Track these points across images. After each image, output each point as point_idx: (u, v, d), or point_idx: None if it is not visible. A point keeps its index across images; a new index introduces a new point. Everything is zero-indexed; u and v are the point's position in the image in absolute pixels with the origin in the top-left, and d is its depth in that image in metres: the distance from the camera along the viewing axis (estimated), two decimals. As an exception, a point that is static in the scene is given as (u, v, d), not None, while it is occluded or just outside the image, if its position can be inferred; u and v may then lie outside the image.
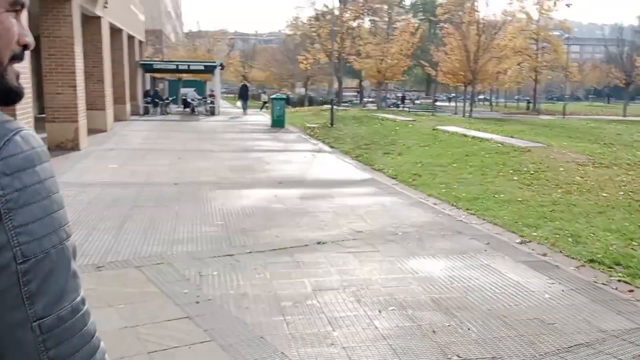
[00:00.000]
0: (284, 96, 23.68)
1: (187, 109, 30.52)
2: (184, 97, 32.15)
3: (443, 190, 9.45)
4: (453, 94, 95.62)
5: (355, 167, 12.44)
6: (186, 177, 10.40)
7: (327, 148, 15.79)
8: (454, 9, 36.33)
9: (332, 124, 21.48)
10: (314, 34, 40.52)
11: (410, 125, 19.43)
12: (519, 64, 46.58)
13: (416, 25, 40.44)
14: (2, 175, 0.75)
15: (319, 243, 6.19)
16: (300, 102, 49.75)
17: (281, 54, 62.70)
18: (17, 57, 0.86)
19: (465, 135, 15.59)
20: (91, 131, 17.41)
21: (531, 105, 53.84)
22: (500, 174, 10.59)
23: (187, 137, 17.59)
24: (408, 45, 38.03)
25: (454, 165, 11.72)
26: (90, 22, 17.10)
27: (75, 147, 13.41)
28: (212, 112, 29.16)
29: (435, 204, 8.56)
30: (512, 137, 15.46)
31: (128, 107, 23.89)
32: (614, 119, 37.29)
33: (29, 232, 0.77)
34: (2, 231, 0.75)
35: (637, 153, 13.33)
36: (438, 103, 66.58)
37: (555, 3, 47.42)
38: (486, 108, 58.63)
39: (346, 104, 45.69)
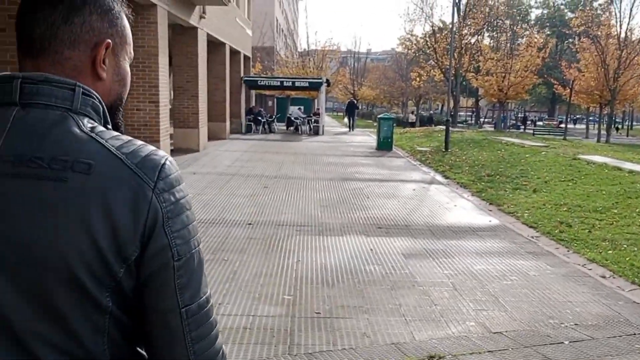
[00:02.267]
0: (392, 116, 21.37)
1: (291, 128, 29.12)
2: (288, 116, 30.86)
3: (609, 251, 6.69)
4: (578, 116, 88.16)
5: (478, 206, 9.85)
6: (265, 214, 8.40)
7: (440, 178, 13.26)
8: (590, 21, 32.22)
9: (446, 148, 18.84)
10: (429, 49, 37.94)
11: (543, 153, 16.33)
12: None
13: (543, 39, 36.55)
14: (163, 191, 0.93)
15: (432, 358, 3.81)
16: (410, 122, 47.17)
17: (392, 72, 60.58)
18: None
19: (620, 169, 12.40)
20: (180, 151, 16.15)
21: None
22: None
23: (282, 159, 15.80)
24: (535, 61, 34.35)
25: (614, 211, 8.78)
26: (185, 32, 15.88)
27: (153, 169, 11.97)
28: (315, 132, 27.49)
29: (604, 277, 5.86)
30: (685, 173, 12.08)
31: (228, 125, 22.73)
32: None
33: (181, 236, 0.95)
34: (164, 235, 0.93)
35: None
36: (562, 125, 61.09)
37: None
38: (616, 132, 52.53)
39: (461, 125, 42.47)
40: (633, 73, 31.06)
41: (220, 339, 1.03)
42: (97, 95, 0.99)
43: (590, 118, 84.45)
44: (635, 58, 30.09)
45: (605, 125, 34.64)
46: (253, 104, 29.80)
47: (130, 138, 0.98)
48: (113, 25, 1.01)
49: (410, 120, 42.40)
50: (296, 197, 10.00)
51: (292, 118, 29.38)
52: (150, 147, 0.98)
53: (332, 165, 14.93)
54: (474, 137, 22.91)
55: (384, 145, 19.48)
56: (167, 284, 0.94)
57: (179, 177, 0.98)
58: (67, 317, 0.90)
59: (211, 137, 20.89)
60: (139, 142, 0.98)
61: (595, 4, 55.92)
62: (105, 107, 1.01)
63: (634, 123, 69.60)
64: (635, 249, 6.75)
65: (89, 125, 0.95)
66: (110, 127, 1.02)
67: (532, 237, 7.57)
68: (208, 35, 17.92)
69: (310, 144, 21.85)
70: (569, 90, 33.47)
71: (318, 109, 28.78)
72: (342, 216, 8.56)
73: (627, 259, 6.34)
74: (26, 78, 0.94)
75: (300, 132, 27.76)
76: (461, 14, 36.17)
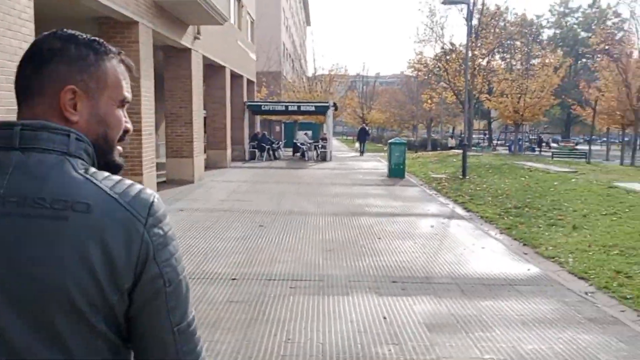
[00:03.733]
0: (404, 141, 19.94)
1: (297, 154, 27.77)
2: (295, 141, 29.55)
3: (694, 317, 5.14)
4: (592, 137, 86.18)
5: (510, 248, 8.32)
6: (255, 264, 6.94)
7: (461, 211, 11.74)
8: (610, 39, 30.82)
9: (464, 175, 17.35)
10: (440, 70, 36.69)
11: (573, 180, 14.77)
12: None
13: (559, 58, 35.14)
14: (153, 226, 1.05)
15: None
16: (422, 146, 45.73)
17: (402, 94, 59.38)
18: (120, 139, 1.18)
19: (668, 199, 10.84)
20: (173, 182, 14.79)
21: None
22: None
23: (284, 190, 14.37)
24: (552, 81, 32.90)
25: (679, 255, 7.22)
26: (178, 54, 14.62)
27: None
28: (323, 158, 26.12)
29: (701, 360, 4.31)
30: None
31: (229, 152, 21.41)
32: None
33: (170, 264, 1.07)
34: (156, 265, 1.04)
35: None
36: (578, 147, 59.34)
37: None
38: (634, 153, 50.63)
39: (475, 148, 40.95)
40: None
41: (204, 352, 1.15)
42: (87, 139, 1.09)
43: (604, 139, 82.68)
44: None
45: (627, 147, 32.98)
46: (258, 129, 28.53)
47: (120, 178, 1.08)
48: (84, 72, 1.10)
49: (450, 145, 41.17)
50: (295, 239, 8.54)
51: (299, 144, 28.03)
52: (138, 186, 1.08)
53: (339, 196, 13.47)
54: (491, 162, 21.39)
55: (396, 172, 18.02)
56: (160, 308, 1.06)
57: (165, 212, 1.09)
58: (65, 338, 1.00)
59: (211, 166, 19.57)
60: (128, 182, 1.08)
61: (609, 23, 54.75)
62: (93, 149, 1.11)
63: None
64: None
65: (82, 167, 1.06)
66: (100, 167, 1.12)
67: (587, 294, 6.02)
68: (205, 58, 16.69)
69: (317, 171, 20.43)
70: (589, 111, 31.87)
71: (325, 133, 27.44)
72: (348, 265, 7.07)
73: None
74: (25, 125, 1.05)
75: (306, 159, 26.40)
76: (472, 34, 34.97)
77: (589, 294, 6.02)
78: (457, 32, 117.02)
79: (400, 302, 5.58)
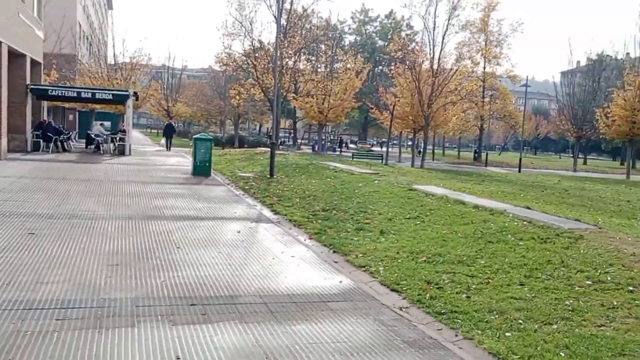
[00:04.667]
0: (210, 137, 18.87)
1: (91, 147, 25.02)
2: (88, 132, 26.70)
3: (508, 334, 4.97)
4: (383, 139, 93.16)
5: (320, 256, 7.79)
6: (12, 288, 5.41)
7: (269, 214, 11.09)
8: (406, 47, 33.03)
9: (271, 175, 16.86)
10: (249, 66, 36.16)
11: (375, 182, 15.04)
12: (463, 112, 44.21)
13: (361, 63, 36.87)
14: None
15: None
16: (230, 142, 44.91)
17: (210, 89, 57.98)
18: None
19: (463, 203, 11.32)
20: None
21: (477, 154, 51.34)
22: (579, 287, 6.25)
23: (70, 188, 12.42)
24: (354, 85, 34.37)
25: (481, 262, 7.28)
26: None
27: None
28: (121, 151, 23.86)
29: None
30: (528, 208, 11.33)
31: (4, 142, 18.33)
32: (579, 175, 34.83)
33: None
34: None
35: None
36: (374, 149, 63.49)
37: (500, 50, 45.72)
38: (419, 154, 55.82)
39: (282, 147, 41.28)
40: (445, 100, 32.32)
41: None
42: None
43: (395, 142, 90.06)
44: (447, 85, 31.27)
45: (418, 150, 35.73)
46: (45, 117, 25.14)
47: None
48: None
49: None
50: (73, 250, 7.05)
51: (93, 135, 25.29)
52: None
53: (135, 196, 11.98)
54: (298, 162, 21.30)
55: (201, 169, 16.90)
56: None
57: None
58: None
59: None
60: None
61: (403, 34, 59.35)
62: None
63: (433, 148, 75.14)
64: (536, 325, 5.12)
65: None
66: None
67: (402, 309, 5.63)
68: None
69: (112, 166, 18.40)
70: (386, 115, 33.84)
71: (124, 125, 25.15)
72: (138, 284, 5.87)
73: (536, 347, 4.64)
74: None
75: (102, 152, 23.87)
76: (281, 33, 35.03)
77: (404, 309, 5.64)
78: (266, 29, 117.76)
79: (198, 334, 4.60)
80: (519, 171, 35.15)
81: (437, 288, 6.21)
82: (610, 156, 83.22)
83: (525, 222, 9.30)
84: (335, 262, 7.49)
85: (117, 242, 7.66)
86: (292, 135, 61.29)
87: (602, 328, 5.08)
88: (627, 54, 41.68)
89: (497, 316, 5.37)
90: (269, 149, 19.10)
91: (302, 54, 40.86)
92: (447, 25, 32.03)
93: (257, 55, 35.54)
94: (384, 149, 73.36)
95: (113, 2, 70.14)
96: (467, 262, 7.26)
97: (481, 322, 5.23)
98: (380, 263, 7.30)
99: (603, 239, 8.18)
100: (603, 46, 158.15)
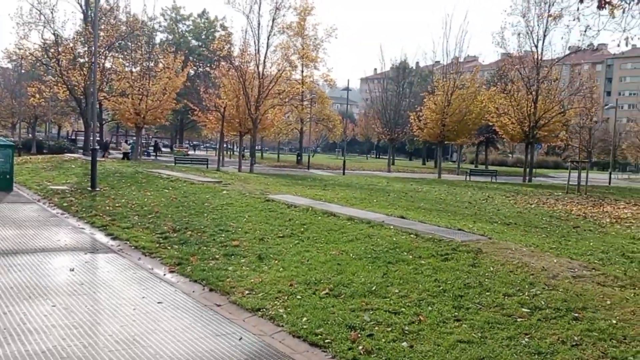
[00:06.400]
0: (11, 142, 15.49)
1: None
2: None
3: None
4: (198, 142, 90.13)
5: (193, 297, 6.00)
6: None
7: (104, 239, 8.83)
8: (229, 48, 31.45)
9: (93, 187, 14.19)
10: (50, 61, 31.63)
11: (224, 192, 13.29)
12: (285, 114, 44.07)
13: (180, 62, 34.47)
14: None
15: None
16: (26, 147, 39.25)
17: (-1, 87, 50.59)
18: None
19: (333, 215, 10.18)
20: None
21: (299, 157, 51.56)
22: (520, 318, 5.37)
23: None
24: (174, 85, 31.94)
25: (395, 291, 6.10)
26: None
27: None
28: None
29: None
30: (403, 217, 10.57)
31: None
32: (396, 176, 36.17)
33: None
34: None
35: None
36: (191, 152, 60.71)
37: (317, 54, 46.42)
38: (243, 158, 54.83)
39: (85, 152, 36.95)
40: (272, 103, 31.41)
41: None
42: None
43: (208, 144, 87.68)
44: (274, 87, 30.35)
45: (242, 154, 34.35)
46: None
47: None
48: None
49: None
50: None
51: None
52: None
53: None
54: (121, 170, 18.59)
55: (1, 183, 13.63)
56: None
57: None
58: None
59: None
60: None
61: (217, 34, 57.56)
62: None
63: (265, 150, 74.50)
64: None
65: None
66: None
67: (341, 377, 4.20)
68: None
69: None
70: (216, 116, 31.82)
71: None
72: None
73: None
74: None
75: None
76: (88, 25, 31.22)
77: (343, 376, 4.21)
78: (72, 17, 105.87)
79: None
80: (344, 173, 35.61)
81: (367, 336, 4.88)
82: (409, 157, 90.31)
83: (412, 236, 8.45)
84: (219, 306, 5.78)
85: None
86: (100, 139, 55.88)
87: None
88: (438, 61, 44.91)
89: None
90: (77, 156, 16.24)
91: (114, 50, 36.95)
92: (272, 26, 31.13)
93: (60, 49, 31.24)
94: (197, 152, 70.72)
95: None
96: (379, 292, 6.05)
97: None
98: (277, 302, 5.76)
99: (501, 251, 7.61)
100: (408, 53, 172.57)
